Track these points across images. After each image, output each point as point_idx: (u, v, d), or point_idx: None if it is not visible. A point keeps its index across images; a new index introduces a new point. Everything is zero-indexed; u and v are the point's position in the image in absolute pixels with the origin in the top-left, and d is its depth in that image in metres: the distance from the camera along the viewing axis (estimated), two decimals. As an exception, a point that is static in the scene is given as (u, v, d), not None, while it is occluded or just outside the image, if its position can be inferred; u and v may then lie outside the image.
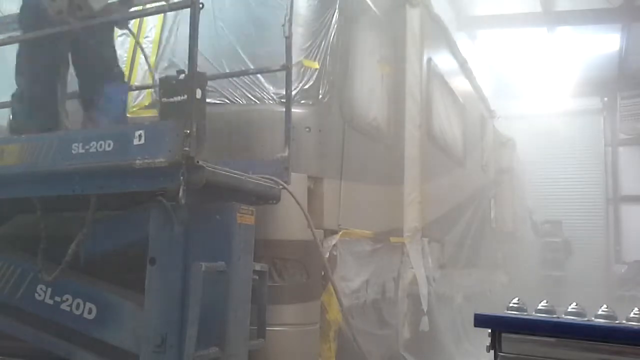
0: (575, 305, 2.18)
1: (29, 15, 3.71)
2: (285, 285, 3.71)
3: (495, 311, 2.30)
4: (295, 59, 4.02)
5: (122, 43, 4.49)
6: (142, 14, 4.36)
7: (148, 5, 4.19)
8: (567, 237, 12.85)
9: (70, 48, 3.77)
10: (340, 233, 4.13)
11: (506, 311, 2.27)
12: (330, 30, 4.14)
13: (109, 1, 3.72)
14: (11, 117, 4.85)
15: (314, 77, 4.01)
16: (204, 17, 4.26)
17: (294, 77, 3.96)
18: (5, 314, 3.57)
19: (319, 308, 3.88)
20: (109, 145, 3.02)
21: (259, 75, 4.01)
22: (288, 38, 3.60)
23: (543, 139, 13.54)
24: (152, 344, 2.91)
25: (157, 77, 4.29)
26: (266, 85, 4.00)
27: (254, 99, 4.00)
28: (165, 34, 4.39)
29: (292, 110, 3.70)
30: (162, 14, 4.42)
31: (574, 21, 12.12)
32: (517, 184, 12.38)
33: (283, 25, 3.59)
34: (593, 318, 2.12)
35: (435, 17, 6.55)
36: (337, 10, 4.21)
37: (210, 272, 2.90)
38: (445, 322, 6.14)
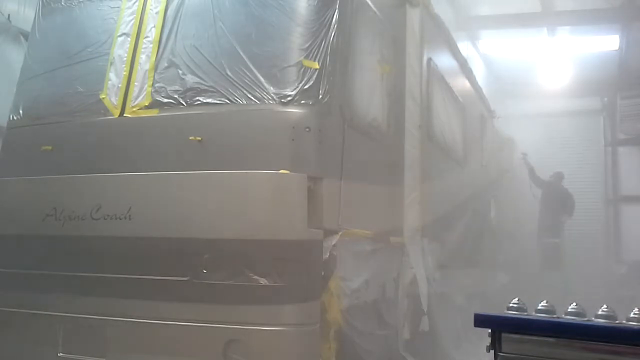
0: (575, 305, 2.18)
1: None
2: (285, 285, 3.71)
3: (495, 311, 2.30)
4: (295, 59, 4.03)
5: (122, 43, 4.50)
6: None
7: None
8: (566, 237, 12.80)
9: None
10: (340, 233, 4.13)
11: (506, 311, 2.27)
12: (330, 30, 4.13)
13: None
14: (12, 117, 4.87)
15: (314, 77, 4.01)
16: (204, 17, 4.30)
17: (293, 77, 3.97)
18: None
19: (319, 308, 3.88)
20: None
21: (259, 75, 4.01)
22: None
23: (543, 139, 13.51)
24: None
25: (157, 77, 4.30)
26: (266, 85, 4.00)
27: (254, 99, 4.00)
28: (165, 33, 4.38)
29: (292, 110, 3.69)
30: (162, 14, 4.43)
31: (573, 21, 12.12)
32: (516, 183, 12.37)
33: None
34: (593, 318, 2.13)
35: (435, 17, 6.54)
36: (337, 10, 4.20)
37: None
38: (445, 322, 6.14)
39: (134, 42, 4.46)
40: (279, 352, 3.74)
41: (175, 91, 4.20)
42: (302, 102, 3.96)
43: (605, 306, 2.13)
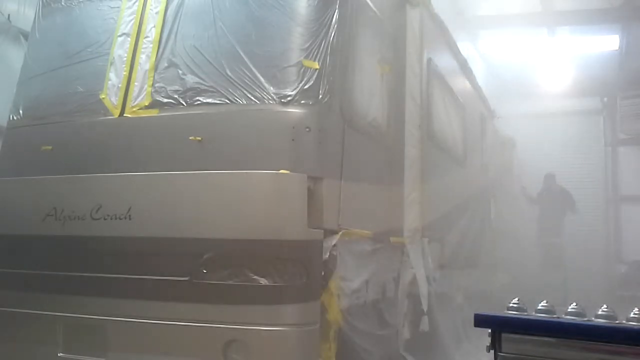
0: (575, 305, 2.18)
1: None
2: (285, 285, 3.71)
3: (495, 311, 2.31)
4: (295, 59, 4.04)
5: (122, 43, 4.50)
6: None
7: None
8: (566, 237, 12.80)
9: None
10: (340, 233, 4.13)
11: (506, 311, 2.27)
12: (330, 30, 4.13)
13: None
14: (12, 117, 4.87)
15: (314, 77, 4.01)
16: (204, 17, 4.31)
17: (293, 77, 3.97)
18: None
19: (319, 308, 3.88)
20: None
21: (259, 75, 4.01)
22: None
23: (543, 139, 13.52)
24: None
25: (157, 77, 4.30)
26: (266, 85, 4.00)
27: (254, 99, 4.00)
28: (165, 33, 4.38)
29: (292, 110, 3.69)
30: (162, 14, 4.43)
31: (574, 21, 12.13)
32: (517, 183, 12.38)
33: None
34: (593, 318, 2.13)
35: (435, 17, 6.54)
36: (337, 10, 4.20)
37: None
38: (445, 322, 6.14)
39: (134, 42, 4.46)
40: (279, 352, 3.74)
41: (175, 91, 4.20)
42: (302, 102, 3.96)
43: (605, 306, 2.13)
